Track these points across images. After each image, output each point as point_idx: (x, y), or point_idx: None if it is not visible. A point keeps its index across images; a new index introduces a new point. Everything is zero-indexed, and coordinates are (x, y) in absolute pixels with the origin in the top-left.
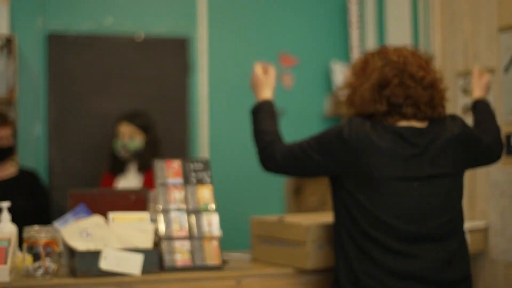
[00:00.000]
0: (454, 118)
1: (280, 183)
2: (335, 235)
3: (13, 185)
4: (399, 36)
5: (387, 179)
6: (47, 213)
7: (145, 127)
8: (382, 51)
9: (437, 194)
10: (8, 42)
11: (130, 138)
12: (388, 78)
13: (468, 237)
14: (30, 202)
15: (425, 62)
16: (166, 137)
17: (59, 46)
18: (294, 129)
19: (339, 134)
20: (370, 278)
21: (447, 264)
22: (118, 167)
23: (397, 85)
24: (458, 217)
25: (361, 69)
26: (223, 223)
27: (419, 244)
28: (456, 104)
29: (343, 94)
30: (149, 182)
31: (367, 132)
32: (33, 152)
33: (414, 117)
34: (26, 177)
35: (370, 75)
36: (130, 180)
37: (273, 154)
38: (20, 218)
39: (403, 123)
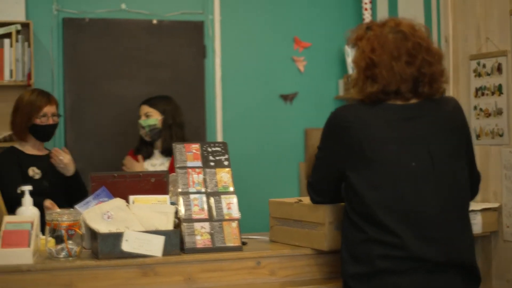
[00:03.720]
0: (448, 99)
1: (296, 166)
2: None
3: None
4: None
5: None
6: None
7: (161, 108)
8: (389, 23)
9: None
10: (24, 28)
11: (146, 117)
12: (413, 53)
13: (481, 218)
14: (65, 181)
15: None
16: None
17: (74, 31)
18: (308, 112)
19: (328, 125)
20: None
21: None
22: (144, 150)
23: (422, 60)
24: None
25: (371, 42)
26: (241, 206)
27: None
28: (470, 86)
29: (353, 73)
30: (172, 166)
31: (354, 110)
32: None
33: (415, 95)
34: None
35: (392, 49)
36: (155, 165)
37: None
38: (58, 195)
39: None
